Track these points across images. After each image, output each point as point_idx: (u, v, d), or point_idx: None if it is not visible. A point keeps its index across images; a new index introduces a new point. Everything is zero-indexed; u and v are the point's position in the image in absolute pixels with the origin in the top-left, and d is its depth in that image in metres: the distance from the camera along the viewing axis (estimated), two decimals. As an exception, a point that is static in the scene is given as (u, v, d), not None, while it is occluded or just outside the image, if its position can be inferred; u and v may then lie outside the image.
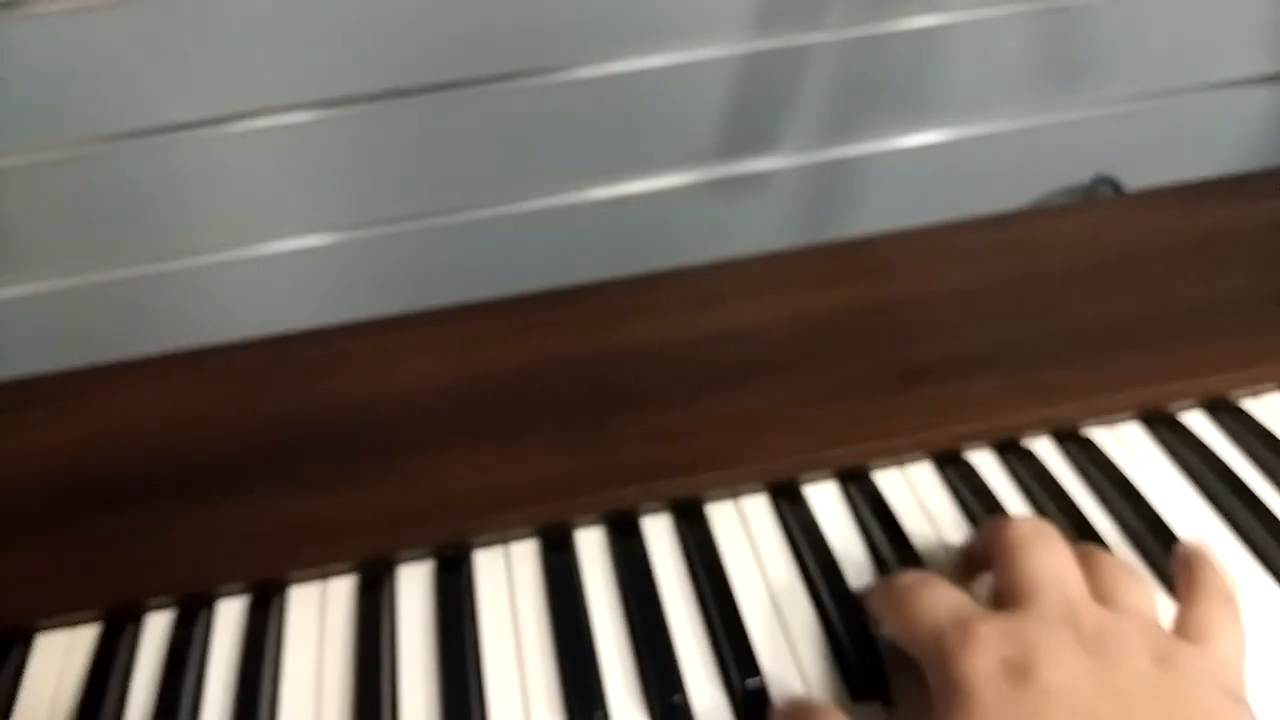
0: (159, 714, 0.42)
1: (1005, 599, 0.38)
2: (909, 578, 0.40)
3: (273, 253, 0.66)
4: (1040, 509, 0.48)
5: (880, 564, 0.46)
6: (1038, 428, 0.51)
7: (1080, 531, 0.46)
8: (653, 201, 0.71)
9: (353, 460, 0.50)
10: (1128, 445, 0.51)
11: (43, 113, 0.59)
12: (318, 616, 0.46)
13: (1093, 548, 0.40)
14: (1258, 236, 0.61)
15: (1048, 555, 0.39)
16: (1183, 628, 0.38)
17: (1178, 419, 0.52)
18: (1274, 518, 0.46)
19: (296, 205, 0.65)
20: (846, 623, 0.43)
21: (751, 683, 0.41)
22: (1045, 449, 0.51)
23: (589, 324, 0.57)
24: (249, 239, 0.65)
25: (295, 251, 0.66)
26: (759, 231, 0.74)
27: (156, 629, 0.45)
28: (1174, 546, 0.43)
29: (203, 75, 0.59)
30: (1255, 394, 0.53)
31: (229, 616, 0.46)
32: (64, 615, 0.46)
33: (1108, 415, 0.51)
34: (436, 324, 0.57)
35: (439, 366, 0.54)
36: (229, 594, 0.46)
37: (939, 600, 0.38)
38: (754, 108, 0.70)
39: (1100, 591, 0.38)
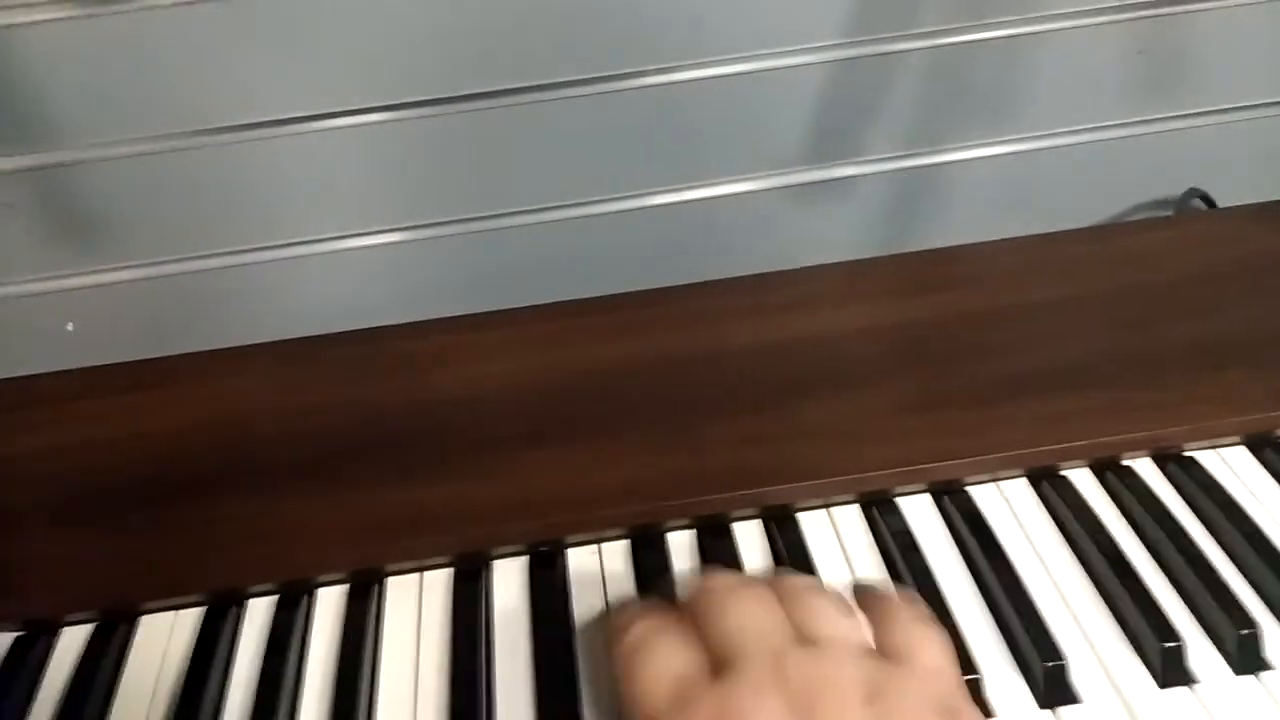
0: (260, 697, 0.43)
1: (714, 666, 0.36)
2: (635, 633, 0.38)
3: (353, 248, 0.67)
4: (1140, 529, 0.47)
5: (977, 576, 0.46)
6: (1138, 447, 0.50)
7: (1186, 555, 0.45)
8: (739, 205, 0.71)
9: (449, 454, 0.50)
10: (1233, 468, 0.50)
11: (133, 106, 0.60)
12: (414, 606, 0.46)
13: (785, 578, 0.40)
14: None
15: (744, 609, 0.37)
16: (885, 649, 0.37)
17: (1282, 443, 0.51)
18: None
19: (374, 202, 0.66)
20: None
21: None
22: (1146, 468, 0.50)
23: (678, 325, 0.57)
24: (330, 232, 0.66)
25: (371, 247, 0.67)
26: (843, 237, 0.73)
27: (258, 613, 0.46)
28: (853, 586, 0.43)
29: (287, 75, 0.60)
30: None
31: (328, 603, 0.46)
32: (168, 597, 0.47)
33: (1212, 437, 0.50)
34: (525, 322, 0.57)
35: (532, 363, 0.55)
36: (328, 582, 0.47)
37: (662, 672, 0.36)
38: (841, 113, 0.70)
39: (801, 627, 0.37)
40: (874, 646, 0.38)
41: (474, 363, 0.55)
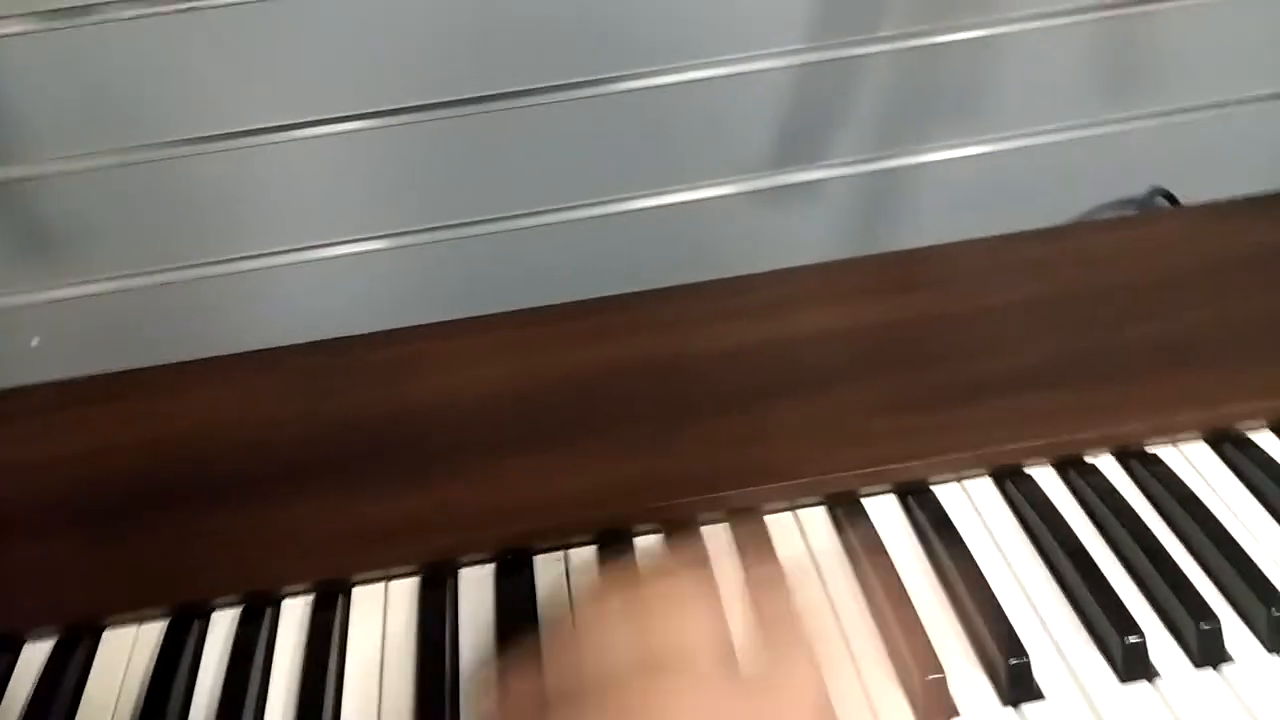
0: (223, 710, 0.43)
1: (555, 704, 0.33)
2: (479, 678, 0.37)
3: (327, 257, 0.67)
4: (1102, 525, 0.48)
5: (941, 576, 0.46)
6: (1100, 444, 0.51)
7: (1147, 550, 0.45)
8: (709, 210, 0.71)
9: (417, 463, 0.50)
10: (1194, 464, 0.50)
11: (99, 118, 0.60)
12: (380, 616, 0.46)
13: (663, 578, 0.37)
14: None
15: (595, 637, 0.35)
16: (752, 670, 0.34)
17: (1247, 437, 0.51)
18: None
19: (351, 211, 0.66)
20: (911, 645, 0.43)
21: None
22: (1109, 465, 0.50)
23: (649, 330, 0.58)
24: (304, 242, 0.66)
25: (349, 256, 0.67)
26: (813, 240, 0.74)
27: (222, 626, 0.46)
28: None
29: (262, 84, 0.60)
30: (1323, 413, 0.52)
31: (293, 615, 0.46)
32: (130, 611, 0.47)
33: (1173, 433, 0.51)
34: (497, 328, 0.57)
35: (501, 371, 0.55)
36: (293, 593, 0.47)
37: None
38: (806, 118, 0.70)
39: (657, 647, 0.33)
40: (742, 662, 0.34)
41: (445, 371, 0.55)
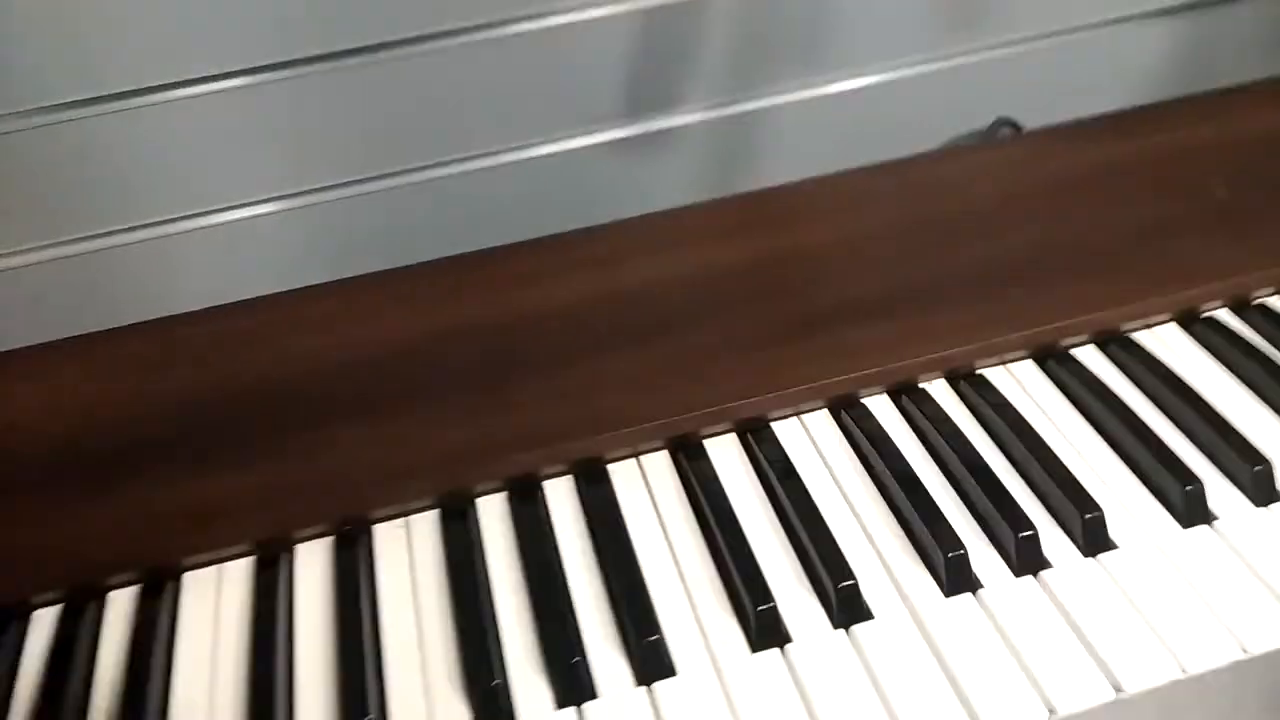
0: (41, 713, 0.41)
1: None
2: None
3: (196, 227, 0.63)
4: (933, 449, 0.49)
5: (778, 510, 0.47)
6: (931, 369, 0.52)
7: (972, 469, 0.47)
8: (560, 163, 0.70)
9: (248, 439, 0.49)
10: (1021, 382, 0.52)
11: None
12: (213, 601, 0.45)
13: None
14: (1147, 169, 0.61)
15: None
16: None
17: (1070, 354, 0.53)
18: (1164, 447, 0.47)
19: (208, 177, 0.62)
20: (745, 576, 0.43)
21: (649, 642, 0.41)
22: (940, 390, 0.52)
23: (490, 290, 0.57)
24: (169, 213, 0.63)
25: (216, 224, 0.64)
26: (670, 189, 0.73)
27: (43, 625, 0.44)
28: None
29: (130, 42, 0.56)
30: (1147, 325, 0.54)
31: (120, 607, 0.45)
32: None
33: (1000, 354, 0.52)
34: (331, 297, 0.56)
35: (335, 340, 0.53)
36: (120, 584, 0.45)
37: None
38: (655, 64, 0.69)
39: None
40: None
41: (272, 344, 0.54)
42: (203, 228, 0.63)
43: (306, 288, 0.57)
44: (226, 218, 0.63)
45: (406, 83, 0.64)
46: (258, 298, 0.55)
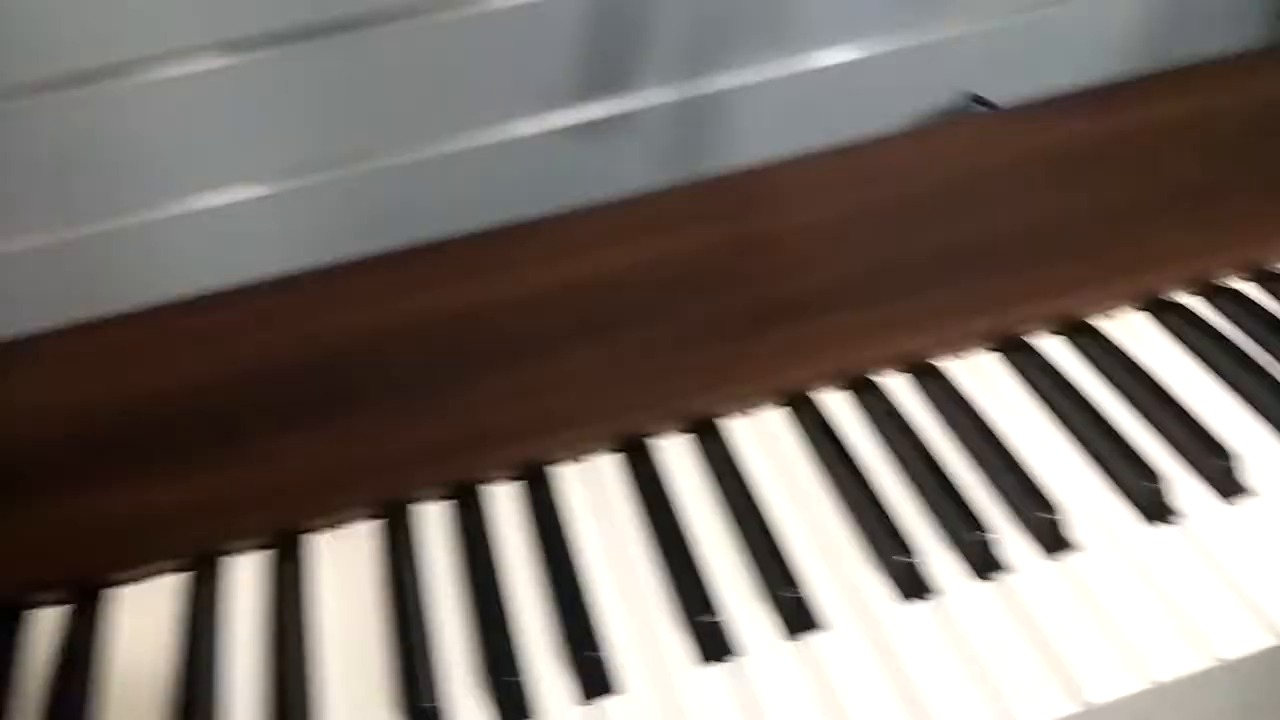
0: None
1: None
2: None
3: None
4: (891, 446, 0.47)
5: (730, 514, 0.45)
6: (888, 363, 0.50)
7: (931, 468, 0.45)
8: (513, 150, 0.68)
9: (182, 449, 0.47)
10: (981, 374, 0.50)
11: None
12: (146, 617, 0.43)
13: None
14: (1113, 148, 0.59)
15: None
16: None
17: (1030, 344, 0.51)
18: (1128, 442, 0.45)
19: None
20: (693, 587, 0.42)
21: (590, 657, 0.40)
22: (899, 384, 0.50)
23: (436, 285, 0.54)
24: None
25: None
26: (628, 175, 0.71)
27: None
28: None
29: (100, 20, 0.53)
30: (1108, 313, 0.52)
31: (46, 625, 0.43)
32: None
33: (958, 345, 0.50)
34: (269, 296, 0.53)
35: (273, 340, 0.51)
36: (46, 602, 0.43)
37: None
38: (610, 45, 0.67)
39: None
40: None
41: (208, 347, 0.51)
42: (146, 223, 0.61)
43: (233, 288, 0.54)
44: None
45: (342, 71, 0.62)
46: (178, 300, 0.53)
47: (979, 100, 0.76)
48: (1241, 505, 0.43)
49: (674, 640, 0.41)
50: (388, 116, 0.64)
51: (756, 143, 0.73)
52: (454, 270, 0.56)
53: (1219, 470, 0.44)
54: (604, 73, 0.68)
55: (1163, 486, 0.43)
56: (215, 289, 0.54)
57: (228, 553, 0.45)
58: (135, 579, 0.44)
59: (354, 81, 0.62)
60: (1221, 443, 0.45)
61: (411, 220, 0.66)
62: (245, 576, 0.44)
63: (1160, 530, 0.43)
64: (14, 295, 0.59)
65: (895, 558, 0.41)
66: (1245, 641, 0.39)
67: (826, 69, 0.72)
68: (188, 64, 0.57)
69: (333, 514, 0.46)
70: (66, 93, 0.55)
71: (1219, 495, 0.44)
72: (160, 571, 0.44)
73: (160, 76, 0.56)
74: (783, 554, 0.42)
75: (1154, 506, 0.43)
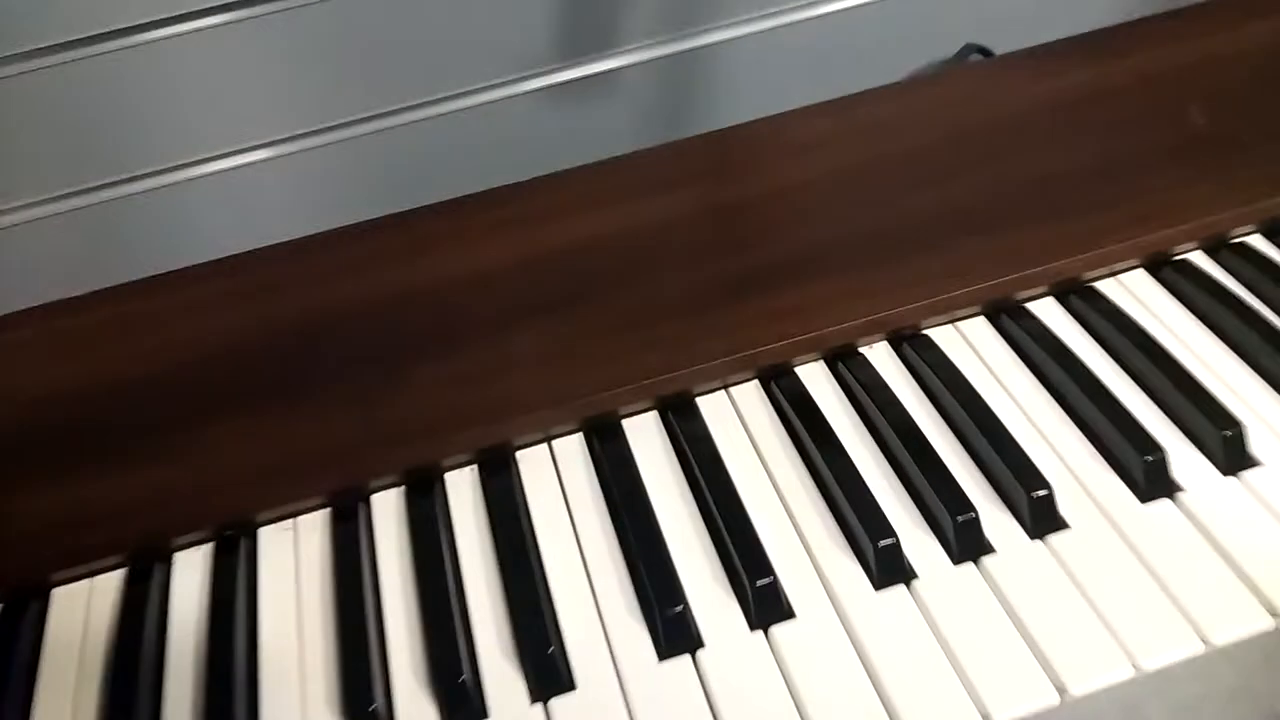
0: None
1: None
2: None
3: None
4: (868, 421, 0.44)
5: (698, 497, 0.42)
6: (872, 331, 0.47)
7: (911, 443, 0.42)
8: (491, 114, 0.65)
9: (118, 441, 0.45)
10: (970, 341, 0.47)
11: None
12: (82, 617, 0.41)
13: None
14: (1115, 96, 0.56)
15: None
16: None
17: (1025, 307, 0.48)
18: (1124, 410, 0.42)
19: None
20: (656, 575, 0.39)
21: (548, 654, 0.37)
22: (881, 354, 0.47)
23: (389, 261, 0.52)
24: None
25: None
26: (614, 137, 0.68)
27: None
28: None
29: None
30: (1112, 272, 0.49)
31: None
32: None
33: (949, 310, 0.47)
34: (205, 279, 0.51)
35: (210, 327, 0.49)
36: (-19, 601, 0.42)
37: None
38: (590, 2, 0.64)
39: None
40: None
41: (137, 336, 0.49)
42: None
43: (164, 274, 0.51)
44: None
45: (312, 36, 0.59)
46: (109, 288, 0.50)
47: (979, 49, 0.72)
48: (1245, 478, 0.40)
49: (635, 633, 0.38)
50: (361, 82, 0.61)
51: (743, 100, 0.70)
52: (408, 245, 0.53)
53: (1222, 441, 0.41)
54: (580, 30, 0.65)
55: (1159, 460, 0.40)
56: (147, 275, 0.51)
57: (172, 549, 0.43)
58: (75, 577, 0.42)
59: (324, 48, 0.59)
60: (1225, 410, 0.41)
61: (389, 188, 0.64)
62: (191, 571, 0.42)
63: (1156, 506, 0.40)
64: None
65: (872, 542, 0.39)
66: (1242, 625, 0.36)
67: (819, 19, 0.69)
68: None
69: (279, 505, 0.44)
70: (82, 51, 0.53)
71: (1221, 468, 0.41)
72: (102, 569, 0.43)
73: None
74: (750, 538, 0.40)
75: (1150, 481, 0.40)
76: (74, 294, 0.51)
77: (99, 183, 0.59)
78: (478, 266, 0.51)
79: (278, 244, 0.51)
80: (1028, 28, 0.68)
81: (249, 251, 0.51)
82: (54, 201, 0.59)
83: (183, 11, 0.56)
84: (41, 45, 0.53)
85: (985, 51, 0.72)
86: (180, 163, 0.60)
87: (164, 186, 0.61)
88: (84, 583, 0.42)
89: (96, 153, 0.58)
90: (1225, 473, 0.41)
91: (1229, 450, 0.41)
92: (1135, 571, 0.38)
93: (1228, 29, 0.57)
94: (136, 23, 0.55)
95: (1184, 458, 0.41)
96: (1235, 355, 0.45)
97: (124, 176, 0.59)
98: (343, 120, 0.63)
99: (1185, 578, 0.38)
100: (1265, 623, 0.36)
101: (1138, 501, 0.40)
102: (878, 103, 0.59)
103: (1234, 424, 0.41)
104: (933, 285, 0.47)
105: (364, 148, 0.64)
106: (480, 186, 0.57)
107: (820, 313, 0.47)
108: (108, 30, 0.54)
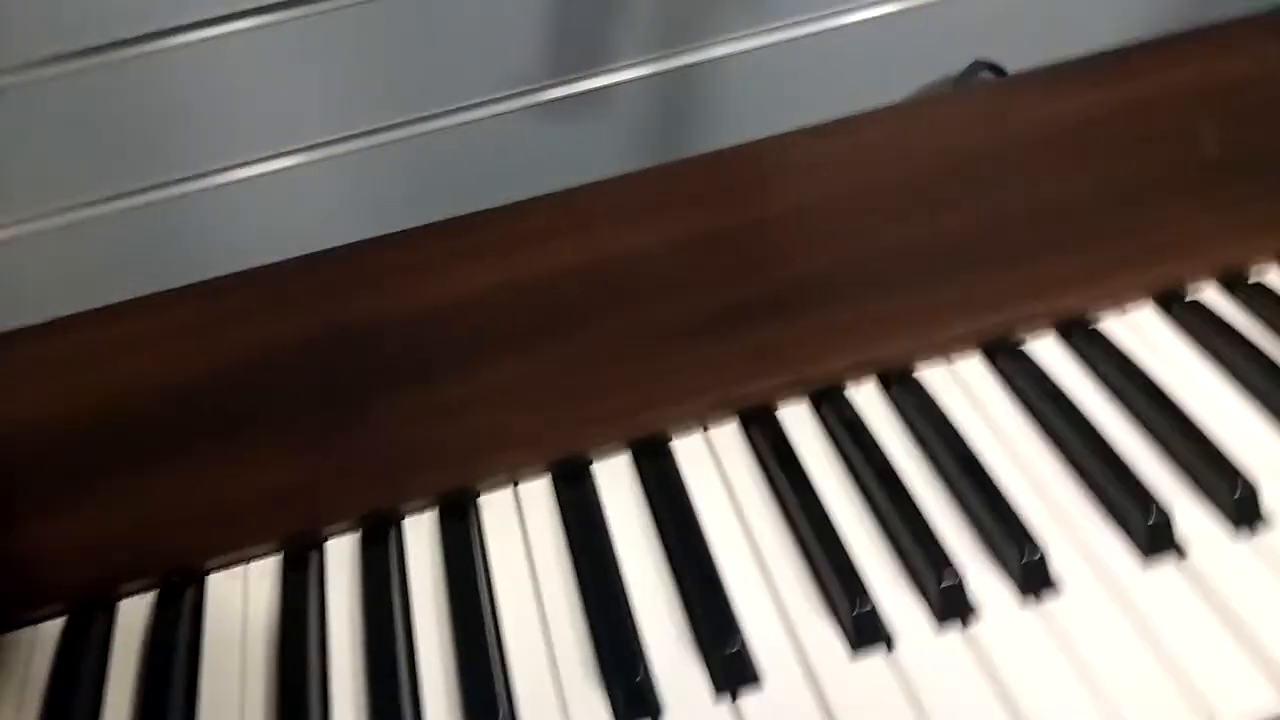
0: None
1: None
2: None
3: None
4: (852, 470, 0.41)
5: (667, 547, 0.40)
6: (861, 371, 0.44)
7: (895, 496, 0.39)
8: (479, 132, 0.63)
9: (62, 483, 0.43)
10: (965, 382, 0.44)
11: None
12: (21, 668, 0.39)
13: None
14: (1127, 120, 0.53)
15: None
16: None
17: (1023, 349, 0.45)
18: (1127, 463, 0.39)
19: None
20: (617, 642, 0.37)
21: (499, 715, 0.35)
22: (869, 395, 0.44)
23: (355, 290, 0.50)
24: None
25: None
26: (606, 156, 0.66)
27: None
28: None
29: None
30: (1120, 309, 0.46)
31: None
32: None
33: (943, 350, 0.44)
34: (157, 311, 0.49)
35: (161, 360, 0.47)
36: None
37: None
38: (583, 16, 0.62)
39: None
40: None
41: (87, 369, 0.47)
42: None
43: (119, 304, 0.49)
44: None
45: (290, 55, 0.57)
46: (68, 316, 0.48)
47: (988, 65, 0.70)
48: (1259, 540, 0.37)
49: (590, 697, 0.36)
50: (347, 100, 0.60)
51: (741, 120, 0.68)
52: (378, 272, 0.51)
53: (1234, 499, 0.38)
54: (573, 46, 0.63)
55: (1163, 519, 0.37)
56: (121, 300, 0.49)
57: (115, 597, 0.41)
58: (21, 624, 0.41)
59: (304, 69, 0.58)
60: (1237, 464, 0.38)
61: (375, 206, 0.62)
62: (133, 621, 0.40)
63: (1159, 569, 0.37)
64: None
65: (849, 605, 0.36)
66: (1254, 705, 0.33)
67: (821, 34, 0.66)
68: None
69: (229, 552, 0.41)
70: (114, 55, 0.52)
71: (1232, 526, 0.38)
72: (42, 618, 0.41)
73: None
74: (719, 597, 0.37)
75: (1153, 541, 0.37)
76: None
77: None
78: (448, 297, 0.49)
79: (238, 272, 0.50)
80: (1038, 42, 0.66)
81: (204, 282, 0.49)
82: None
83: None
84: (59, 52, 0.52)
85: (995, 67, 0.69)
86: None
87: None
88: (25, 630, 0.41)
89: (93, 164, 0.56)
90: (1237, 533, 0.37)
91: (1241, 509, 0.38)
92: (1134, 642, 0.35)
93: (1249, 50, 0.54)
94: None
95: (1193, 515, 0.38)
96: (1252, 401, 0.42)
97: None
98: (327, 139, 0.62)
99: (1191, 649, 0.34)
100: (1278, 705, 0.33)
101: (1140, 563, 0.37)
102: (878, 124, 0.56)
103: (1247, 481, 0.38)
104: (928, 322, 0.45)
105: (348, 166, 0.62)
106: (466, 206, 0.56)
107: (807, 350, 0.44)
108: (111, 41, 0.52)
